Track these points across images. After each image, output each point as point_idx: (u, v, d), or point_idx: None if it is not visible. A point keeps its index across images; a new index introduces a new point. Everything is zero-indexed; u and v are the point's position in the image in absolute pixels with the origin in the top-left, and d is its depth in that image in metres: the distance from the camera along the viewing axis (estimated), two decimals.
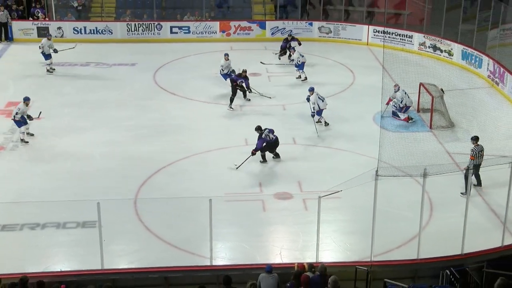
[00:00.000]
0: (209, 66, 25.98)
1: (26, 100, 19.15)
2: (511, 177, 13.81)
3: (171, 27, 29.46)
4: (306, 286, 10.89)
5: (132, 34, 29.19)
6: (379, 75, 19.72)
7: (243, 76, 21.66)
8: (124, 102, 22.24)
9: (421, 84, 21.32)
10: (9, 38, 28.78)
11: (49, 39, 24.89)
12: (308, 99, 19.87)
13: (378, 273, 12.93)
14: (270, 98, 21.54)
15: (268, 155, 17.88)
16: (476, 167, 16.05)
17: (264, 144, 17.58)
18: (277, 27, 29.69)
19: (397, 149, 17.10)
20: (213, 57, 27.23)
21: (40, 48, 24.64)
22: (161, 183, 16.98)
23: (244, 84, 21.62)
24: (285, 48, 26.06)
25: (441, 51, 26.82)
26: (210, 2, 30.96)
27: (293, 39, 26.19)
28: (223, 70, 22.95)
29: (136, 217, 15.32)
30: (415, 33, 27.83)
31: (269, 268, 11.95)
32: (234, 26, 29.68)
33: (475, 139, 16.28)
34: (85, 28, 29.13)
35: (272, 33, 29.65)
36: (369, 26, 28.99)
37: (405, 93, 20.54)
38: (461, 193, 15.80)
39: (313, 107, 19.68)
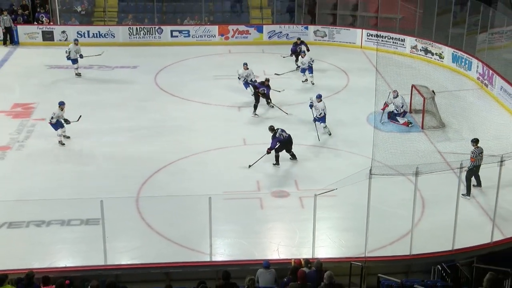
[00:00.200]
0: (208, 69, 26.03)
1: (61, 104, 18.89)
2: (500, 175, 13.86)
3: (172, 31, 29.44)
4: (303, 281, 10.88)
5: (133, 37, 29.18)
6: (373, 77, 19.78)
7: (266, 84, 21.23)
8: (126, 104, 22.21)
9: (413, 86, 21.33)
10: (14, 42, 28.74)
11: (76, 44, 24.51)
12: (311, 106, 19.53)
13: (372, 268, 12.94)
14: (287, 114, 20.88)
15: (284, 159, 17.72)
16: (476, 168, 15.98)
17: (278, 143, 17.44)
18: (274, 31, 29.70)
19: (390, 148, 17.12)
20: (212, 60, 27.33)
21: (66, 52, 24.35)
22: (161, 182, 16.97)
23: (265, 92, 21.18)
24: (295, 52, 25.60)
25: (432, 54, 26.85)
26: (209, 7, 30.95)
27: (302, 43, 25.70)
28: (240, 78, 22.37)
29: (138, 214, 15.32)
30: (407, 36, 27.84)
31: (267, 264, 11.96)
32: (233, 30, 29.68)
33: (475, 141, 16.11)
34: (88, 32, 29.10)
35: (269, 37, 29.68)
36: (363, 30, 29.01)
37: (403, 98, 20.57)
38: (462, 194, 15.78)
39: (319, 114, 19.38)
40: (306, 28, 29.69)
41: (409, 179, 14.40)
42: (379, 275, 12.47)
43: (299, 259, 12.51)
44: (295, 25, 29.87)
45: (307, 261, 12.19)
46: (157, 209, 15.34)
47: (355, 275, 12.70)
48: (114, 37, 29.02)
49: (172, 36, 29.40)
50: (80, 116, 19.28)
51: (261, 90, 21.10)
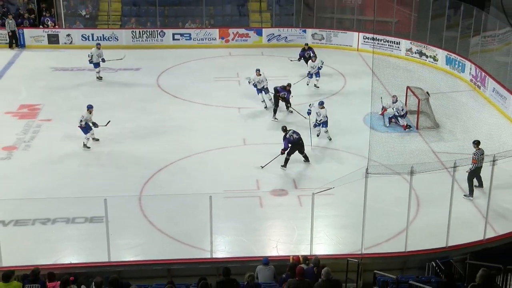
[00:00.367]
0: (209, 71, 26.02)
1: (90, 108, 18.70)
2: (492, 174, 13.87)
3: (173, 34, 29.41)
4: (301, 277, 10.86)
5: (136, 40, 29.15)
6: (369, 79, 19.81)
7: (287, 89, 20.84)
8: (129, 105, 22.20)
9: (408, 87, 21.32)
10: (20, 45, 28.73)
11: (98, 48, 24.26)
12: (309, 113, 19.25)
13: (368, 265, 12.95)
14: (305, 118, 19.98)
15: (295, 161, 17.65)
16: (478, 170, 15.84)
17: (290, 144, 17.31)
18: (273, 34, 29.69)
19: (386, 148, 17.11)
20: (213, 62, 27.30)
21: (89, 56, 24.12)
22: (163, 181, 16.96)
23: (285, 97, 20.83)
24: (303, 57, 25.20)
25: (427, 56, 26.83)
26: (210, 11, 30.93)
27: (310, 49, 25.28)
28: (250, 82, 21.82)
29: (141, 213, 15.31)
30: (402, 39, 27.82)
31: (266, 261, 11.95)
32: (233, 33, 29.66)
33: (477, 143, 15.95)
34: (92, 35, 29.06)
35: (268, 40, 29.64)
36: (359, 33, 28.98)
37: (402, 102, 20.54)
38: (465, 195, 15.77)
39: (320, 120, 19.10)
40: (304, 31, 29.66)
41: (404, 178, 14.37)
42: (375, 271, 12.49)
43: (298, 256, 12.49)
44: (294, 28, 29.85)
45: (305, 257, 12.17)
46: (159, 208, 15.32)
47: (351, 271, 12.69)
48: (117, 40, 28.99)
49: (174, 39, 29.38)
50: (109, 121, 19.09)
51: (281, 94, 20.66)
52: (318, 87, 23.62)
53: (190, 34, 29.47)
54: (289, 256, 12.78)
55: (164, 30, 29.39)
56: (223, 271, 11.00)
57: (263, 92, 21.68)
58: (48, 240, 14.27)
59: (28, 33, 28.88)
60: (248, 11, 31.53)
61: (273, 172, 17.32)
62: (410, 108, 21.05)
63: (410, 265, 13.45)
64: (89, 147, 18.62)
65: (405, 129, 20.06)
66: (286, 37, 29.51)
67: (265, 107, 21.66)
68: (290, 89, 20.93)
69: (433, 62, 26.53)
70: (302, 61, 25.24)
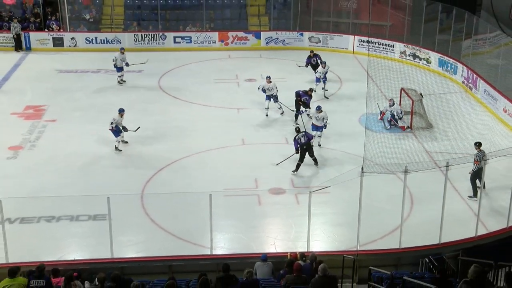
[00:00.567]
0: (209, 73, 25.99)
1: (121, 111, 18.42)
2: (484, 173, 13.86)
3: (174, 37, 29.38)
4: (298, 273, 10.84)
5: (138, 43, 29.10)
6: (364, 81, 19.75)
7: (309, 94, 20.43)
8: (131, 106, 22.07)
9: (402, 89, 21.31)
10: (26, 48, 28.68)
11: (122, 53, 24.03)
12: (305, 114, 18.90)
13: (363, 261, 12.93)
14: (310, 117, 19.68)
15: (294, 161, 17.60)
16: (480, 171, 15.40)
17: (298, 146, 17.07)
18: (271, 37, 29.65)
19: (380, 148, 17.08)
20: (213, 64, 27.26)
21: (113, 61, 23.91)
22: (165, 179, 16.93)
23: (306, 101, 20.33)
24: (310, 64, 24.79)
25: (420, 59, 26.81)
26: (210, 15, 30.90)
27: (315, 55, 24.86)
28: (259, 89, 21.17)
29: (143, 210, 15.29)
30: (396, 42, 27.80)
31: (264, 257, 11.92)
32: (232, 36, 29.62)
33: (478, 144, 15.81)
34: (96, 38, 29.04)
35: (267, 43, 29.62)
36: (355, 36, 28.96)
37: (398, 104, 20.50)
38: (469, 196, 15.70)
39: (319, 123, 18.73)
40: (301, 34, 29.64)
41: (399, 177, 14.34)
42: (371, 267, 12.46)
43: (295, 253, 12.49)
44: (291, 31, 29.83)
45: (302, 254, 12.17)
46: (160, 206, 15.30)
47: (347, 267, 12.67)
48: (120, 43, 28.88)
49: (175, 42, 29.33)
50: (139, 127, 18.85)
51: (303, 99, 20.25)
52: (327, 90, 23.29)
53: (190, 37, 29.43)
54: (286, 252, 12.77)
55: (166, 33, 29.35)
56: (222, 267, 10.97)
57: (270, 99, 21.06)
58: (53, 237, 14.25)
59: (34, 36, 28.83)
60: (247, 15, 31.52)
61: (271, 171, 17.29)
62: (404, 109, 21.03)
63: (404, 262, 13.43)
64: (120, 150, 18.38)
65: (404, 130, 20.00)
66: (284, 40, 29.50)
67: (266, 115, 21.01)
68: (312, 94, 20.58)
69: (426, 65, 26.52)
70: (306, 65, 24.98)
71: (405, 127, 20.09)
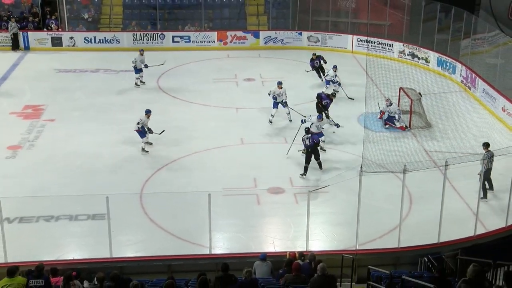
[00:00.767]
0: (208, 72, 25.98)
1: (148, 112, 18.33)
2: (482, 172, 13.86)
3: (173, 37, 29.36)
4: (297, 273, 10.84)
5: (137, 43, 29.06)
6: (363, 80, 19.76)
7: (330, 98, 20.14)
8: (130, 105, 22.14)
9: (401, 88, 21.32)
10: (25, 47, 28.65)
11: (141, 54, 23.87)
12: (303, 121, 18.37)
13: (362, 260, 12.94)
14: (339, 127, 19.41)
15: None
16: (488, 171, 15.56)
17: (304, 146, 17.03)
18: (270, 36, 29.64)
19: (379, 147, 17.09)
20: (211, 64, 27.24)
21: (133, 62, 23.70)
22: (164, 179, 16.93)
23: (326, 105, 20.03)
24: (314, 67, 24.34)
25: (419, 58, 26.82)
26: (208, 14, 30.89)
27: (318, 57, 24.41)
28: (269, 94, 20.50)
29: (142, 210, 15.28)
30: (395, 42, 27.80)
31: (263, 256, 11.91)
32: (231, 35, 29.62)
33: (486, 145, 15.71)
34: (94, 38, 29.03)
35: (265, 42, 29.60)
36: (354, 36, 28.96)
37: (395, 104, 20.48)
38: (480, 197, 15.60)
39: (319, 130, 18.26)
40: (300, 34, 29.64)
41: (397, 176, 14.36)
42: (369, 266, 12.46)
43: (294, 252, 12.48)
44: (290, 31, 29.82)
45: (301, 253, 12.17)
46: (159, 205, 15.29)
47: (346, 266, 12.68)
48: (119, 42, 28.94)
49: (173, 41, 29.32)
50: (163, 130, 18.75)
51: (324, 102, 20.00)
52: (338, 91, 22.72)
53: (189, 37, 29.42)
54: (285, 252, 12.77)
55: (164, 33, 29.34)
56: (221, 266, 10.97)
57: (279, 106, 20.43)
58: (51, 237, 14.25)
59: (33, 36, 28.81)
60: (245, 14, 31.51)
61: (270, 171, 17.29)
62: (403, 108, 21.04)
63: (403, 261, 13.44)
64: (147, 151, 18.30)
65: (404, 130, 19.97)
66: (283, 40, 29.50)
67: (271, 122, 20.45)
68: (333, 99, 20.25)
69: (425, 64, 26.52)
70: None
71: (404, 126, 20.08)
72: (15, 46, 28.47)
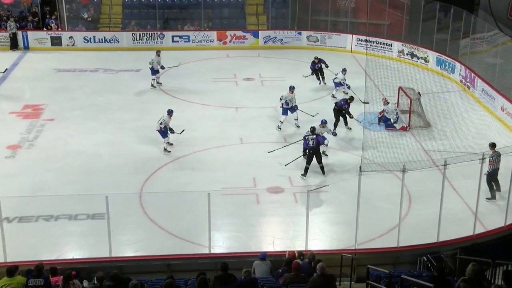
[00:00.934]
0: (207, 72, 25.96)
1: (170, 112, 18.28)
2: (481, 171, 13.87)
3: (173, 36, 29.36)
4: (297, 272, 10.84)
5: (137, 42, 29.08)
6: (362, 79, 19.76)
7: (348, 102, 19.73)
8: (129, 105, 22.15)
9: (400, 88, 21.32)
10: (25, 47, 28.64)
11: (158, 55, 23.67)
12: (334, 134, 18.41)
13: (362, 260, 12.94)
14: (350, 129, 19.66)
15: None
16: (495, 172, 15.45)
17: (306, 146, 16.84)
18: (269, 36, 29.63)
19: (378, 147, 17.09)
20: (211, 64, 27.23)
21: (150, 64, 23.50)
22: (163, 178, 16.92)
23: (344, 109, 19.72)
24: (314, 70, 24.07)
25: (418, 58, 26.82)
26: (208, 14, 30.89)
27: (320, 61, 24.09)
28: (281, 99, 19.84)
29: (141, 209, 15.26)
30: (394, 41, 27.80)
31: (263, 256, 11.92)
32: (230, 35, 29.61)
33: (493, 145, 15.61)
34: (94, 37, 29.02)
35: (265, 42, 29.60)
36: (353, 35, 28.96)
37: (393, 103, 20.46)
38: (487, 198, 15.49)
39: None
40: (300, 33, 29.64)
41: (397, 176, 14.36)
42: (369, 266, 12.46)
43: (293, 251, 12.47)
44: (289, 30, 29.82)
45: (301, 253, 12.17)
46: (159, 205, 15.28)
47: (345, 266, 12.68)
48: (118, 42, 28.94)
49: (173, 41, 29.32)
50: (183, 130, 18.67)
51: (343, 107, 19.67)
52: (347, 93, 22.37)
53: (188, 36, 29.42)
54: (285, 251, 12.77)
55: (164, 33, 29.34)
56: (221, 266, 10.97)
57: (287, 113, 19.86)
58: (51, 236, 14.24)
59: (32, 36, 28.80)
60: (245, 14, 31.51)
61: (269, 170, 17.28)
62: (402, 107, 21.04)
63: (402, 260, 13.45)
64: (169, 151, 18.23)
65: (405, 130, 19.91)
66: (282, 39, 29.49)
67: (279, 128, 19.89)
68: (350, 103, 19.80)
69: (424, 63, 26.52)
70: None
71: (405, 127, 20.05)
72: (13, 45, 28.48)
